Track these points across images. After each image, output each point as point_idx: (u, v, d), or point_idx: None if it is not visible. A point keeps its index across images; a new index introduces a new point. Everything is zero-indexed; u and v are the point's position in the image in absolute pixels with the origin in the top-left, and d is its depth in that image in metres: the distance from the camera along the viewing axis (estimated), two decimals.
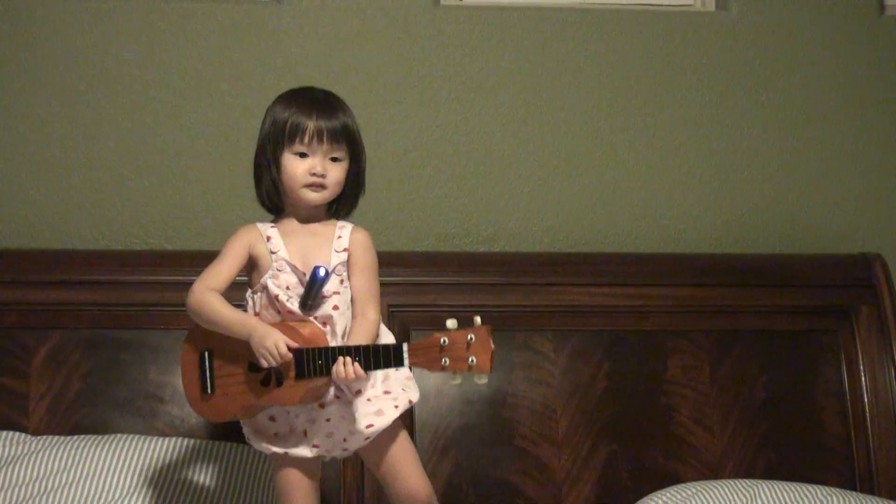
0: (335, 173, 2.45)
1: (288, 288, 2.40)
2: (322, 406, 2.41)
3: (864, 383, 3.23)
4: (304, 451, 2.42)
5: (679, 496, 2.84)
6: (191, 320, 2.46)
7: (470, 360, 2.20)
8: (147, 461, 2.79)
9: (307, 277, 2.39)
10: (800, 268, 3.32)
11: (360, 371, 2.29)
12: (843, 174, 3.55)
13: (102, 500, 2.70)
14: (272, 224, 2.48)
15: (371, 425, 2.40)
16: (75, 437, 2.88)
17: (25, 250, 3.17)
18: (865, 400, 3.22)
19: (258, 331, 2.34)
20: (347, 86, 3.34)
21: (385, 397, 2.44)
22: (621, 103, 3.48)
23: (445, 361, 2.22)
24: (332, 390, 2.40)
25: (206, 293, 2.40)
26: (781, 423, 3.19)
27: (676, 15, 3.54)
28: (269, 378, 2.36)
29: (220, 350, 2.42)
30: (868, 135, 3.57)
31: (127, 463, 2.78)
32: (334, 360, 2.30)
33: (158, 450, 2.82)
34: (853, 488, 3.11)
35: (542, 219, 3.42)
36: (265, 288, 2.41)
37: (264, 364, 2.33)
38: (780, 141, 3.53)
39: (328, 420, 2.41)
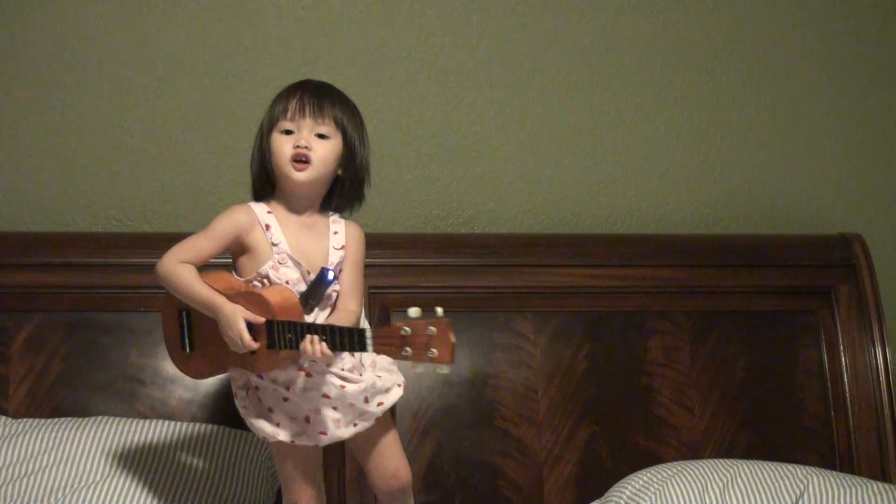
0: (321, 150, 2.44)
1: (287, 282, 2.40)
2: (327, 396, 2.41)
3: (843, 363, 3.24)
4: (310, 441, 2.43)
5: (659, 476, 2.85)
6: None
7: (430, 352, 2.18)
8: (127, 443, 2.79)
9: (311, 276, 2.41)
10: (780, 248, 3.33)
11: (327, 350, 2.28)
12: (824, 155, 3.56)
13: (83, 483, 2.69)
14: (268, 209, 2.47)
15: (381, 403, 2.46)
16: (56, 419, 2.87)
17: (4, 233, 3.15)
18: (845, 380, 3.23)
19: (221, 316, 2.34)
20: (326, 67, 3.34)
21: (391, 377, 2.49)
22: (601, 84, 3.48)
23: (407, 351, 2.20)
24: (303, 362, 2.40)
25: (178, 266, 2.40)
26: (761, 403, 3.20)
27: None
28: None
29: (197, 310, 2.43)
30: (848, 116, 3.58)
31: (107, 445, 2.78)
32: (303, 337, 2.29)
33: (139, 432, 2.82)
34: (833, 468, 3.12)
35: (522, 200, 3.41)
36: (266, 277, 2.40)
37: (232, 349, 2.35)
38: (761, 122, 3.54)
39: (335, 408, 2.42)
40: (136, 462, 2.74)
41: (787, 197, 3.53)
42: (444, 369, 2.21)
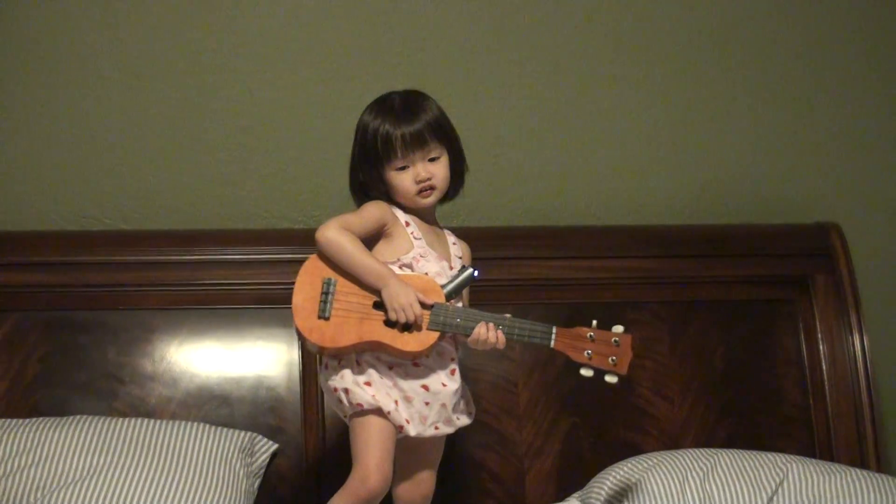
0: (440, 172, 2.56)
1: (426, 274, 2.50)
2: (426, 388, 2.48)
3: (822, 351, 3.25)
4: (398, 420, 2.45)
5: (640, 467, 2.85)
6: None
7: (611, 359, 2.49)
8: (107, 442, 2.77)
9: (454, 272, 2.54)
10: (758, 238, 3.34)
11: (503, 338, 2.48)
12: (800, 145, 3.57)
13: (63, 482, 2.68)
14: (404, 211, 2.57)
15: (459, 419, 2.58)
16: (34, 419, 2.86)
17: None
18: (824, 368, 3.24)
19: (392, 284, 2.43)
20: (306, 62, 3.34)
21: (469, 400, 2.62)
22: (578, 75, 3.48)
23: (589, 354, 2.49)
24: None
25: (345, 233, 2.45)
26: (741, 392, 3.21)
27: None
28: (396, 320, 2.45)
29: (347, 279, 2.46)
30: (825, 106, 3.58)
31: (87, 444, 2.76)
32: (475, 323, 2.46)
33: (118, 430, 2.81)
34: (813, 455, 3.13)
35: (499, 193, 3.41)
36: (409, 266, 2.50)
37: (394, 318, 2.42)
38: (737, 113, 3.55)
39: (427, 403, 2.49)
40: (116, 461, 2.73)
41: (764, 187, 3.53)
42: (614, 379, 2.49)
